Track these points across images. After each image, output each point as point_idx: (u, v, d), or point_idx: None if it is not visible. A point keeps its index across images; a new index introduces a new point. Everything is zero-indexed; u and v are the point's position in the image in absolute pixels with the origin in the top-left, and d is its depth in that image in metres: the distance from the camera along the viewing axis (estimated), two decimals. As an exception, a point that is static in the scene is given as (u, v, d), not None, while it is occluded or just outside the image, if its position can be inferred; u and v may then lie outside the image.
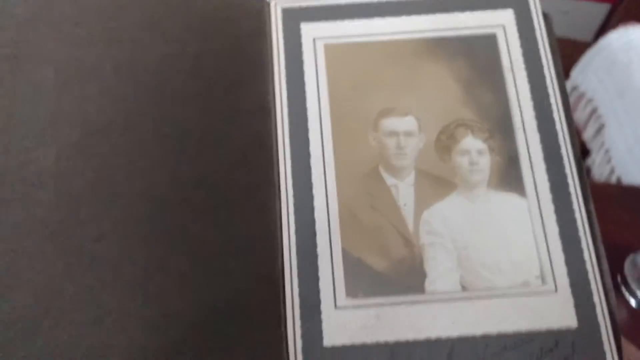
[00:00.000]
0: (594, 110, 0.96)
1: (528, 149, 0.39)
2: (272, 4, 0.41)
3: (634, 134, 0.89)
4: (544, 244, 0.37)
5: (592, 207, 0.38)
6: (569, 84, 1.01)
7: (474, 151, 0.39)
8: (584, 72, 1.00)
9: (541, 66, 0.41)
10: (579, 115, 0.94)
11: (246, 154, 0.37)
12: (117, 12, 0.37)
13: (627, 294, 0.52)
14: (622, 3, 1.52)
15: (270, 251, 0.36)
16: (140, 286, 0.32)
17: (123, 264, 0.32)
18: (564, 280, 0.36)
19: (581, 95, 0.98)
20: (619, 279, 0.53)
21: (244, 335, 0.34)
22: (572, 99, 0.98)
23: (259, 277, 0.35)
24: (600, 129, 0.94)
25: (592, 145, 0.92)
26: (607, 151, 0.91)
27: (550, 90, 0.40)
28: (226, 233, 0.35)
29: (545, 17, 0.43)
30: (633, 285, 0.52)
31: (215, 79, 0.38)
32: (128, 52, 0.36)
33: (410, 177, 0.38)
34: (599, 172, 0.89)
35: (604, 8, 1.56)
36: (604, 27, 1.54)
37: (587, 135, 0.91)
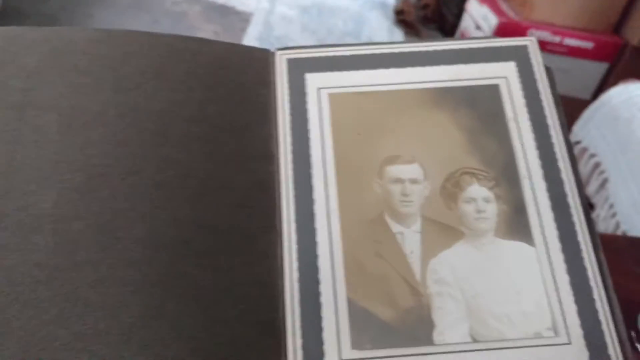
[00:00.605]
0: (597, 165, 0.97)
1: (535, 197, 0.39)
2: (277, 54, 0.43)
3: (638, 189, 0.89)
4: (555, 294, 0.37)
5: (602, 256, 0.38)
6: (571, 139, 1.02)
7: (480, 199, 0.39)
8: (586, 127, 1.02)
9: (544, 116, 0.42)
10: (582, 170, 0.95)
11: (248, 198, 0.37)
12: (123, 61, 0.38)
13: (642, 351, 0.51)
14: (620, 62, 1.57)
15: (271, 299, 0.35)
16: (135, 333, 0.32)
17: (119, 309, 0.32)
18: (577, 332, 0.36)
19: (584, 150, 1.00)
20: (632, 334, 0.52)
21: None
22: (574, 154, 0.99)
23: (259, 326, 0.35)
24: (603, 184, 0.95)
25: (596, 200, 0.92)
26: (611, 206, 0.91)
27: (554, 140, 0.41)
28: (226, 279, 0.35)
29: (547, 70, 0.44)
30: (648, 342, 0.51)
31: (219, 125, 0.38)
32: (132, 98, 0.37)
33: (417, 225, 0.38)
34: (604, 226, 0.88)
35: (603, 67, 1.61)
36: (602, 86, 1.58)
37: (591, 189, 0.92)
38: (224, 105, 0.39)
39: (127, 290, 0.33)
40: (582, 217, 0.39)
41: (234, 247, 0.36)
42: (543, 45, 1.53)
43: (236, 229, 0.36)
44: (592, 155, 0.99)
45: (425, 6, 2.16)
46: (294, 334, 0.35)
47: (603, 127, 0.99)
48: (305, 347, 0.35)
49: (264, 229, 0.37)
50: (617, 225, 0.88)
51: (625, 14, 1.61)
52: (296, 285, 0.36)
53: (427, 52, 0.43)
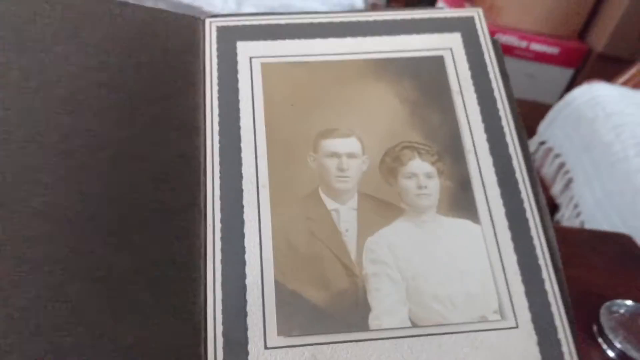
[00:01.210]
0: (561, 165, 0.96)
1: (480, 172, 0.37)
2: (206, 22, 0.40)
3: (601, 188, 0.89)
4: (502, 275, 0.34)
5: (552, 234, 0.36)
6: (536, 139, 1.02)
7: (422, 174, 0.36)
8: (551, 127, 1.02)
9: (491, 89, 0.40)
10: (547, 170, 0.94)
11: (168, 172, 0.34)
12: (31, 20, 0.35)
13: (604, 345, 0.49)
14: (585, 68, 1.59)
15: (190, 282, 0.32)
16: (29, 317, 0.28)
17: (10, 290, 0.28)
18: (525, 315, 0.33)
19: (549, 150, 0.99)
20: (594, 328, 0.50)
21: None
22: (539, 154, 0.99)
23: (176, 311, 0.31)
24: (568, 184, 0.94)
25: (561, 200, 0.91)
26: (576, 205, 0.90)
27: (501, 113, 0.39)
28: (139, 259, 0.32)
29: (494, 42, 0.42)
30: (610, 335, 0.49)
31: (138, 93, 0.35)
32: (39, 61, 0.34)
33: (353, 201, 0.35)
34: (569, 226, 0.87)
35: (568, 73, 1.62)
36: (568, 91, 1.59)
37: (556, 190, 0.91)
38: (145, 72, 0.36)
39: (21, 269, 0.29)
40: (531, 193, 0.37)
41: (149, 225, 0.33)
42: (510, 50, 1.54)
43: (153, 205, 0.33)
44: (557, 156, 0.98)
45: (381, 8, 2.16)
46: (214, 320, 0.32)
47: (567, 127, 0.98)
48: (226, 334, 0.31)
49: (184, 205, 0.34)
50: (582, 225, 0.87)
51: (589, 21, 1.63)
52: (219, 267, 0.33)
53: (368, 22, 0.41)
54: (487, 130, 0.38)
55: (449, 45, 0.41)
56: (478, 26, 0.42)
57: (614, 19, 1.49)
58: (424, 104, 0.39)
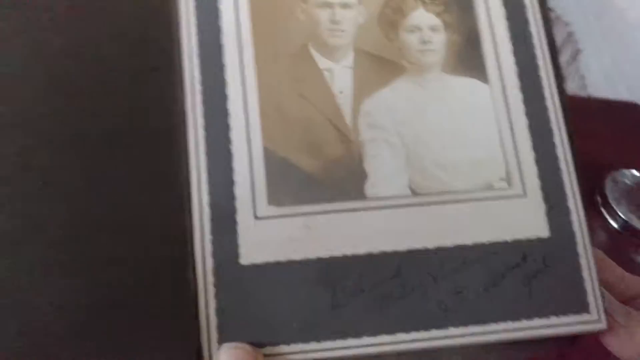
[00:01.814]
0: (569, 35, 0.91)
1: (491, 26, 0.33)
2: None
3: (611, 59, 0.84)
4: (510, 139, 0.31)
5: (565, 97, 0.33)
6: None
7: (426, 27, 0.32)
8: (560, -6, 0.95)
9: None
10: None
11: (136, 28, 0.30)
12: None
13: (607, 215, 0.47)
14: None
15: (172, 149, 0.29)
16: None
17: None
18: (533, 183, 0.31)
19: (557, 19, 0.93)
20: (598, 199, 0.48)
21: (141, 252, 0.28)
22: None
23: (157, 179, 0.29)
24: (576, 55, 0.89)
25: (567, 72, 0.87)
26: (582, 77, 0.86)
27: (518, -43, 0.34)
28: (113, 127, 0.28)
29: None
30: (614, 205, 0.47)
31: None
32: None
33: (348, 59, 0.32)
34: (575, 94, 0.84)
35: None
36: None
37: (562, 61, 0.86)
38: None
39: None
40: (547, 50, 0.33)
41: (118, 88, 0.29)
42: None
43: (119, 65, 0.29)
44: (566, 24, 0.92)
45: None
46: (199, 189, 0.29)
47: (579, -8, 0.91)
48: (213, 204, 0.29)
49: (159, 67, 0.30)
50: (583, 96, 0.84)
51: None
52: (201, 133, 0.30)
53: None
54: (501, -24, 0.33)
55: None
56: None
57: None
58: (430, -54, 0.33)
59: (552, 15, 0.94)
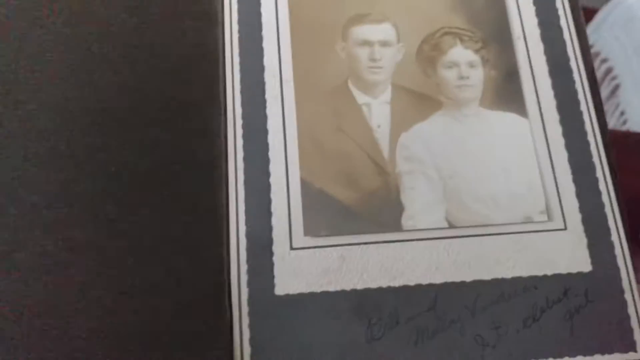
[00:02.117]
0: (608, 70, 0.90)
1: (530, 61, 0.33)
2: None
3: (653, 95, 0.82)
4: (551, 173, 0.31)
5: (607, 129, 0.32)
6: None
7: (464, 63, 0.32)
8: (599, 30, 0.94)
9: (545, -33, 0.35)
10: (592, 77, 0.88)
11: (187, 66, 0.31)
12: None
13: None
14: (638, -33, 1.45)
15: (212, 180, 0.30)
16: (40, 214, 0.27)
17: (21, 190, 0.27)
18: (575, 216, 0.30)
19: (595, 55, 0.92)
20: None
21: (179, 281, 0.28)
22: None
23: (197, 209, 0.29)
24: (615, 90, 0.88)
25: (606, 107, 0.86)
26: (622, 113, 0.85)
27: (556, -6, 0.34)
28: (157, 157, 0.29)
29: None
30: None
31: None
32: None
33: (386, 94, 0.32)
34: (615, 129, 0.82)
35: (619, -27, 1.49)
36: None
37: (602, 96, 0.85)
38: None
39: (29, 164, 0.27)
40: (587, 84, 0.33)
41: (166, 121, 0.30)
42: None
43: (168, 99, 0.31)
44: (604, 60, 0.91)
45: None
46: (237, 220, 0.30)
47: (617, 28, 0.90)
48: (250, 234, 0.29)
49: (203, 100, 0.31)
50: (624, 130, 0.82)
51: None
52: (241, 165, 0.31)
53: None
54: (539, 13, 0.34)
55: None
56: None
57: None
58: (467, -16, 0.34)
59: (591, 52, 0.93)
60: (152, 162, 0.30)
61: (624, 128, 0.84)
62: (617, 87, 0.87)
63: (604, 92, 0.90)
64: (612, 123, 0.85)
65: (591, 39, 0.96)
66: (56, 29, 0.30)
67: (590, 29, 0.95)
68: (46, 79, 0.29)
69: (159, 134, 0.30)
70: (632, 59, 0.86)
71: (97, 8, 0.31)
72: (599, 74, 0.92)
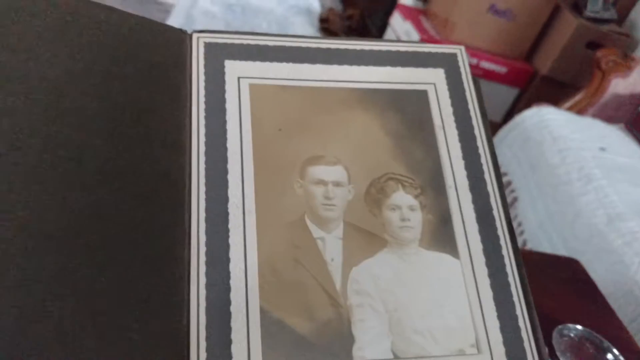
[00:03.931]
0: (507, 184, 1.01)
1: (460, 208, 0.38)
2: (194, 37, 0.39)
3: (545, 209, 0.94)
4: (479, 309, 0.36)
5: (524, 272, 0.38)
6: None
7: (405, 207, 0.37)
8: (499, 147, 1.06)
9: (472, 126, 0.41)
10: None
11: (153, 190, 0.34)
12: (13, 18, 0.33)
13: (553, 367, 0.52)
14: (530, 88, 1.67)
15: (174, 307, 0.32)
16: (10, 337, 0.27)
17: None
18: (499, 349, 0.35)
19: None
20: (546, 350, 0.53)
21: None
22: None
23: (159, 335, 0.31)
24: (513, 202, 0.99)
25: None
26: (519, 224, 0.95)
27: (480, 151, 0.41)
28: (123, 279, 0.31)
29: (475, 80, 0.44)
30: (561, 358, 0.52)
31: (123, 104, 0.35)
32: (22, 62, 0.32)
33: (339, 230, 0.36)
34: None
35: (514, 92, 1.70)
36: (513, 109, 1.67)
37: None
38: (131, 84, 0.35)
39: (1, 286, 0.28)
40: (507, 231, 0.39)
41: (134, 243, 0.32)
42: (460, 66, 1.58)
43: (137, 222, 0.32)
44: (504, 174, 1.02)
45: (349, 17, 2.19)
46: (197, 347, 0.31)
47: (515, 147, 1.03)
48: (210, 363, 0.31)
49: (169, 225, 0.34)
50: (524, 243, 0.92)
51: (536, 45, 1.71)
52: (203, 292, 0.33)
53: (355, 51, 0.42)
54: (467, 167, 0.40)
55: (432, 80, 0.42)
56: (460, 63, 0.43)
57: (558, 44, 1.57)
58: (408, 136, 0.40)
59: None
60: (120, 283, 0.31)
61: (521, 238, 0.94)
62: (515, 199, 0.98)
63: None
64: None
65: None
66: (34, 152, 0.31)
67: (492, 146, 1.08)
68: (19, 198, 0.30)
69: (127, 255, 0.32)
70: (529, 176, 0.98)
71: (74, 134, 0.33)
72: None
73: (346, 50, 0.42)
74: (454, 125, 0.41)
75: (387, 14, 1.92)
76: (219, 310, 0.33)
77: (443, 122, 0.41)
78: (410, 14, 1.80)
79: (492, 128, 1.16)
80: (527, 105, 1.24)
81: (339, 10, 2.25)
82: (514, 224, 0.98)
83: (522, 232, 0.95)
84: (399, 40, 0.44)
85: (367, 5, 2.16)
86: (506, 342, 0.35)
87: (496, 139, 1.09)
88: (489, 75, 1.65)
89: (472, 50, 1.63)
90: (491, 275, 0.37)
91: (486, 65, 1.65)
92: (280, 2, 1.54)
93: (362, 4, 2.19)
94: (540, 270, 0.62)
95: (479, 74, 1.64)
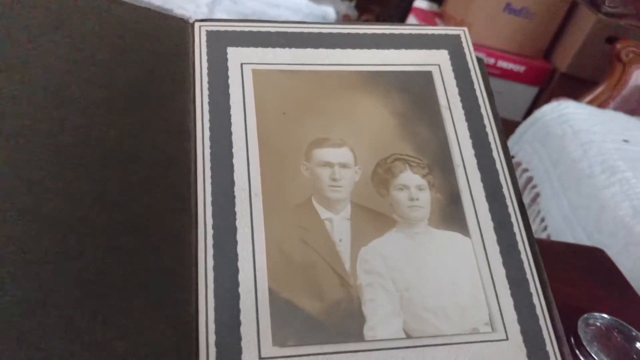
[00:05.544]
0: (529, 180, 1.00)
1: (469, 186, 0.38)
2: (196, 26, 0.40)
3: (568, 203, 0.92)
4: (492, 288, 0.36)
5: (537, 248, 0.38)
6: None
7: (413, 186, 0.37)
8: (519, 143, 1.06)
9: (478, 105, 0.41)
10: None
11: (158, 175, 0.34)
12: (15, 9, 0.34)
13: (581, 356, 0.51)
14: (549, 86, 1.65)
15: (182, 290, 0.32)
16: (15, 322, 0.28)
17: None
18: (514, 327, 0.35)
19: (517, 165, 1.03)
20: (572, 340, 0.52)
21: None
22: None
23: (167, 319, 0.31)
24: (535, 198, 0.98)
25: (528, 214, 0.95)
26: (542, 219, 0.94)
27: (488, 129, 0.41)
28: (130, 263, 0.31)
29: (479, 61, 0.44)
30: (587, 347, 0.51)
31: (126, 92, 0.35)
32: (24, 51, 0.34)
33: (346, 211, 0.36)
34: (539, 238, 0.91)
35: (533, 90, 1.68)
36: (533, 108, 1.65)
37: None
38: (134, 72, 0.36)
39: (5, 271, 0.29)
40: (517, 208, 0.38)
41: (140, 229, 0.33)
42: (477, 66, 1.58)
43: (143, 207, 0.33)
44: (525, 170, 1.02)
45: (365, 22, 2.21)
46: (206, 329, 0.32)
47: (536, 142, 1.02)
48: (219, 344, 0.31)
49: (175, 210, 0.34)
50: (548, 238, 0.90)
51: (554, 43, 1.70)
52: (210, 274, 0.33)
53: (358, 35, 0.42)
54: (475, 145, 0.40)
55: (437, 62, 0.42)
56: (464, 44, 0.44)
57: (578, 41, 1.56)
58: (414, 117, 0.40)
59: (513, 161, 1.04)
60: (125, 267, 0.32)
61: (545, 233, 0.93)
62: (537, 195, 0.97)
63: (526, 199, 0.99)
64: (533, 228, 0.94)
65: (513, 151, 1.07)
66: (39, 139, 0.32)
67: (512, 141, 1.07)
68: (24, 185, 0.31)
69: (133, 240, 0.32)
70: (550, 171, 0.97)
71: (79, 121, 0.33)
72: (520, 182, 1.02)
73: (349, 34, 0.42)
74: (460, 105, 0.41)
75: (402, 18, 1.93)
76: (228, 292, 0.33)
77: (449, 102, 0.41)
78: (426, 16, 1.80)
79: (514, 127, 1.15)
80: (547, 102, 1.24)
81: (354, 16, 2.27)
82: (537, 220, 0.97)
83: (545, 228, 0.94)
84: (401, 24, 0.44)
85: (382, 10, 2.17)
86: (521, 320, 0.35)
87: (515, 135, 1.08)
88: (508, 74, 1.64)
89: (489, 50, 1.62)
90: (503, 252, 0.37)
91: (504, 64, 1.64)
92: (296, 11, 1.56)
93: (377, 10, 2.21)
94: (564, 260, 0.61)
95: (496, 74, 1.63)
